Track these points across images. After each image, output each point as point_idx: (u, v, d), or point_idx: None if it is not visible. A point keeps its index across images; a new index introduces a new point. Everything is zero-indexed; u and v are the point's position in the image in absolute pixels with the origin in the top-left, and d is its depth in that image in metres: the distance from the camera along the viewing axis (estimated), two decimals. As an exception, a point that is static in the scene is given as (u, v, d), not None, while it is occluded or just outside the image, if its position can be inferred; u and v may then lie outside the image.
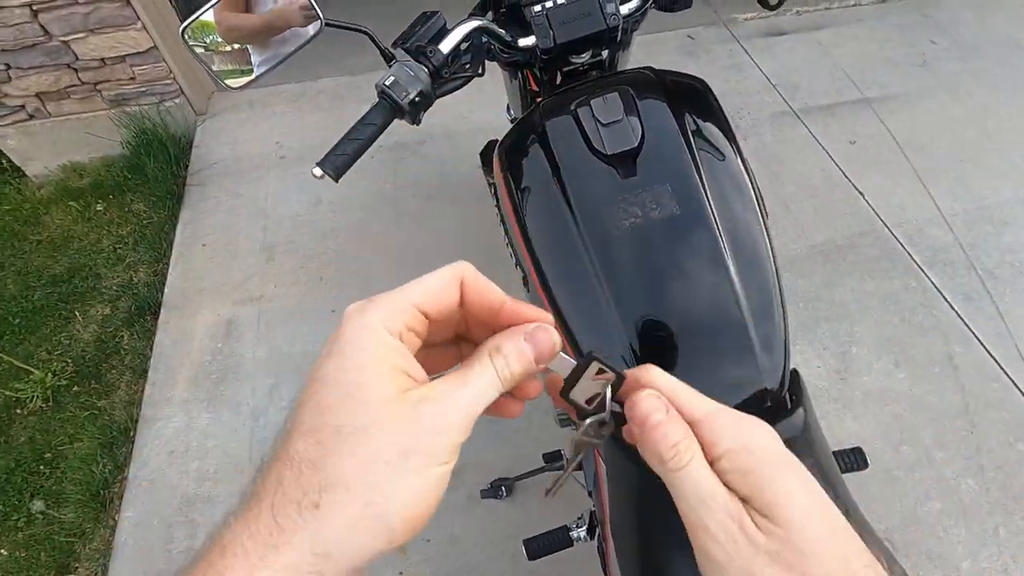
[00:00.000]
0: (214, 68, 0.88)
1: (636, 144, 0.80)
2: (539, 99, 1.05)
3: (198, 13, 0.83)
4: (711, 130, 0.86)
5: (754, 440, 0.30)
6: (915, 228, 2.09)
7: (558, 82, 1.09)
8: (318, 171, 0.81)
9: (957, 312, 1.87)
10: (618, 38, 0.96)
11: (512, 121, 1.69)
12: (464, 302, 0.33)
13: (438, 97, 0.87)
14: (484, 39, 0.94)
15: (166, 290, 2.04)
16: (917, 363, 1.77)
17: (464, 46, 0.93)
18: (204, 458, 1.66)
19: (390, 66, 0.83)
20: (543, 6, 0.94)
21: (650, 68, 0.94)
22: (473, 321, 0.34)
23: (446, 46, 0.84)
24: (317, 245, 2.14)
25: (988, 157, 2.29)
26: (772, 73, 2.65)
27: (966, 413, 1.67)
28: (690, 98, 0.89)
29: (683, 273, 0.76)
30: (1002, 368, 1.74)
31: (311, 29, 0.87)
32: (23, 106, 2.38)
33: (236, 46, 0.87)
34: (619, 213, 0.77)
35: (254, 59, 0.88)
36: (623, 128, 0.80)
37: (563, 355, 0.33)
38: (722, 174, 0.81)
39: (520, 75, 1.24)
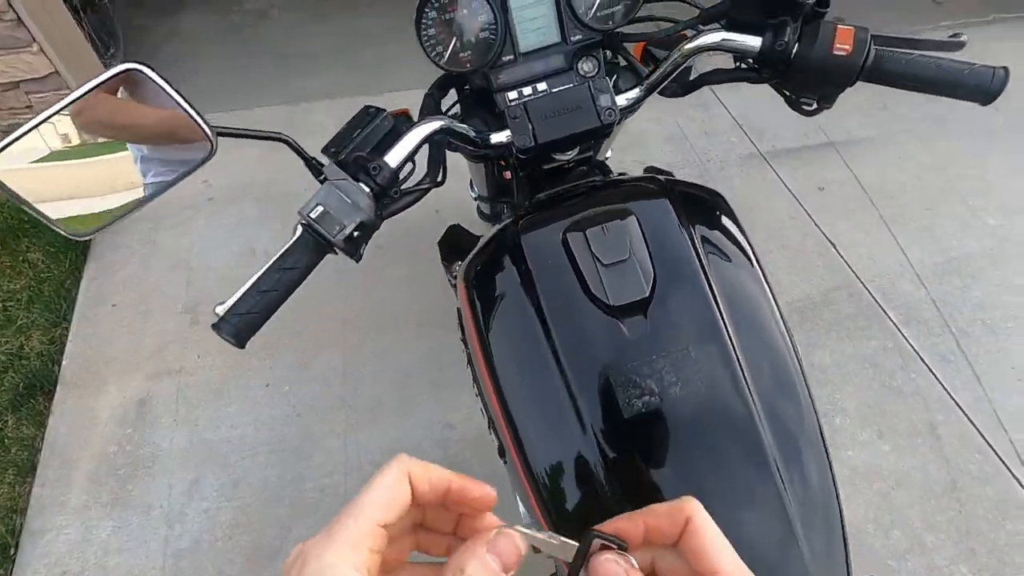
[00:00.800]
0: (51, 215, 0.62)
1: (647, 293, 0.62)
2: (514, 202, 0.86)
3: (58, 107, 0.59)
4: (737, 267, 0.69)
5: None
6: (888, 282, 2.03)
7: (538, 176, 0.89)
8: (219, 332, 0.60)
9: (936, 376, 1.80)
10: (612, 133, 0.78)
11: (477, 200, 1.48)
12: (415, 497, 0.33)
13: (384, 219, 0.67)
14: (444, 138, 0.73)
15: (64, 362, 1.74)
16: (900, 434, 1.69)
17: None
18: (104, 580, 1.38)
19: (321, 181, 0.63)
20: (520, 93, 0.77)
21: (654, 173, 0.76)
22: (427, 508, 0.35)
23: (395, 157, 0.64)
24: (249, 305, 1.87)
25: (953, 206, 2.27)
26: (739, 114, 2.57)
27: (953, 490, 1.59)
28: (708, 220, 0.71)
29: (717, 475, 0.59)
30: (984, 438, 1.68)
31: (201, 149, 0.64)
32: None
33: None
34: (628, 388, 0.59)
35: (140, 177, 0.65)
36: (630, 270, 0.63)
37: (550, 537, 0.32)
38: (757, 332, 0.65)
39: (490, 163, 1.06)
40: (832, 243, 2.14)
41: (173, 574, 1.39)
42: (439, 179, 0.74)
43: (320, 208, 0.60)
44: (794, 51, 0.68)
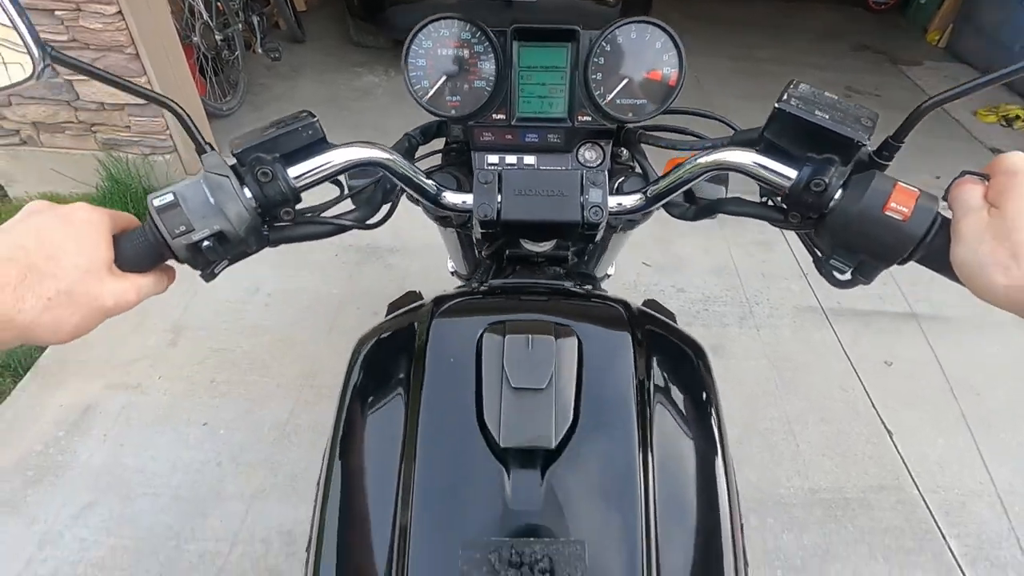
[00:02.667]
0: None
1: (552, 445, 0.47)
2: (470, 284, 0.74)
3: None
4: (695, 450, 0.53)
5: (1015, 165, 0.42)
6: (956, 499, 1.59)
7: (504, 261, 0.77)
8: None
9: (1004, 649, 1.31)
10: (596, 237, 0.65)
11: (453, 275, 1.38)
12: None
13: (272, 244, 0.55)
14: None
15: (47, 351, 1.79)
16: None
17: (360, 173, 0.64)
18: (-47, 585, 1.29)
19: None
20: (502, 160, 0.64)
21: (625, 304, 0.62)
22: None
23: (300, 171, 0.53)
24: (229, 340, 1.86)
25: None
26: (805, 260, 2.30)
27: None
28: (675, 379, 0.57)
29: None
30: None
31: (24, 69, 0.55)
32: (17, 131, 2.35)
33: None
34: (479, 573, 0.44)
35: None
36: (541, 407, 0.48)
37: None
38: (693, 557, 0.48)
39: (461, 235, 0.94)
40: (889, 431, 1.74)
41: (15, 602, 1.27)
42: (370, 221, 0.63)
43: (170, 197, 0.48)
44: (835, 198, 0.51)
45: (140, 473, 1.50)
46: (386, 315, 1.27)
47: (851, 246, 0.51)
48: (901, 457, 1.68)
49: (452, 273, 1.37)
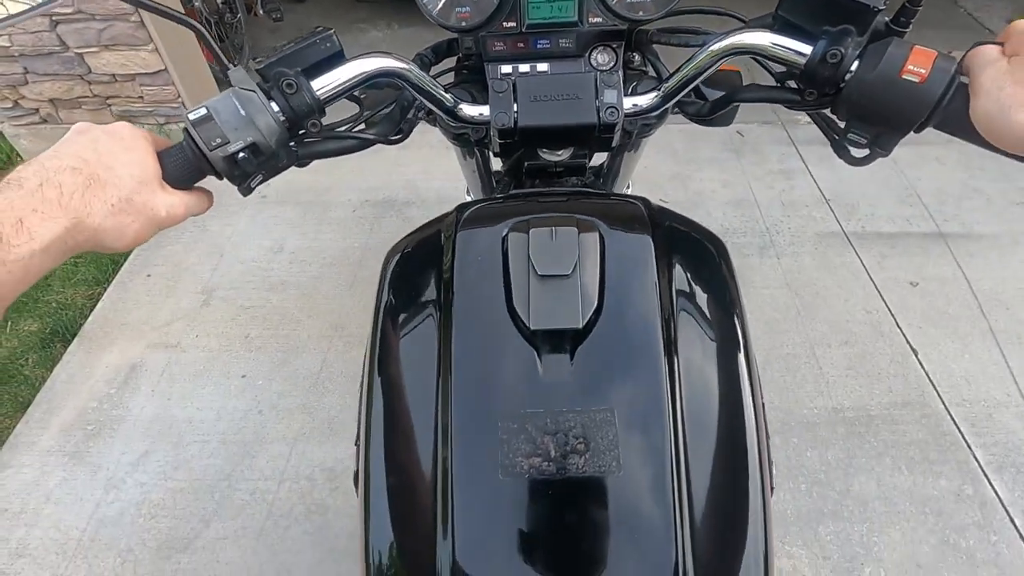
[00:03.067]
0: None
1: (580, 325, 0.50)
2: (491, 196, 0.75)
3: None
4: (716, 335, 0.55)
5: None
6: (983, 411, 1.59)
7: (523, 173, 0.77)
8: None
9: (1028, 548, 1.34)
10: (613, 141, 0.64)
11: None
12: None
13: (300, 162, 0.57)
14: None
15: (90, 317, 1.89)
16: (957, 614, 1.26)
17: (379, 95, 0.65)
18: (32, 527, 1.41)
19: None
20: (515, 69, 0.64)
21: (645, 201, 0.63)
22: None
23: (323, 83, 0.54)
24: (259, 297, 1.93)
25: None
26: (828, 187, 2.26)
27: None
28: (695, 269, 0.58)
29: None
30: (1089, 653, 1.19)
31: None
32: (37, 110, 2.41)
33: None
34: (517, 442, 0.47)
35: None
36: (567, 291, 0.50)
37: None
38: (714, 422, 0.51)
39: (478, 152, 0.93)
40: (914, 350, 1.74)
41: (90, 539, 1.39)
42: (392, 136, 0.65)
43: (203, 111, 0.49)
44: (852, 69, 0.50)
45: (188, 423, 1.60)
46: None
47: (868, 117, 0.51)
48: (927, 374, 1.68)
49: None
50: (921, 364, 1.70)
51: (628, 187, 1.15)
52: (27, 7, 0.61)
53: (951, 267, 1.97)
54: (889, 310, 1.84)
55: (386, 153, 0.84)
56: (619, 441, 0.46)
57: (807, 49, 0.52)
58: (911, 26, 0.51)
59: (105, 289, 1.98)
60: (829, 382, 1.67)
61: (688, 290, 0.56)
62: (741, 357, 0.54)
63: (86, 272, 2.06)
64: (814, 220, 2.16)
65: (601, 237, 0.54)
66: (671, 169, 2.35)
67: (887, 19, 0.51)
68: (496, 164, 0.91)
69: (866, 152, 0.55)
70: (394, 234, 2.12)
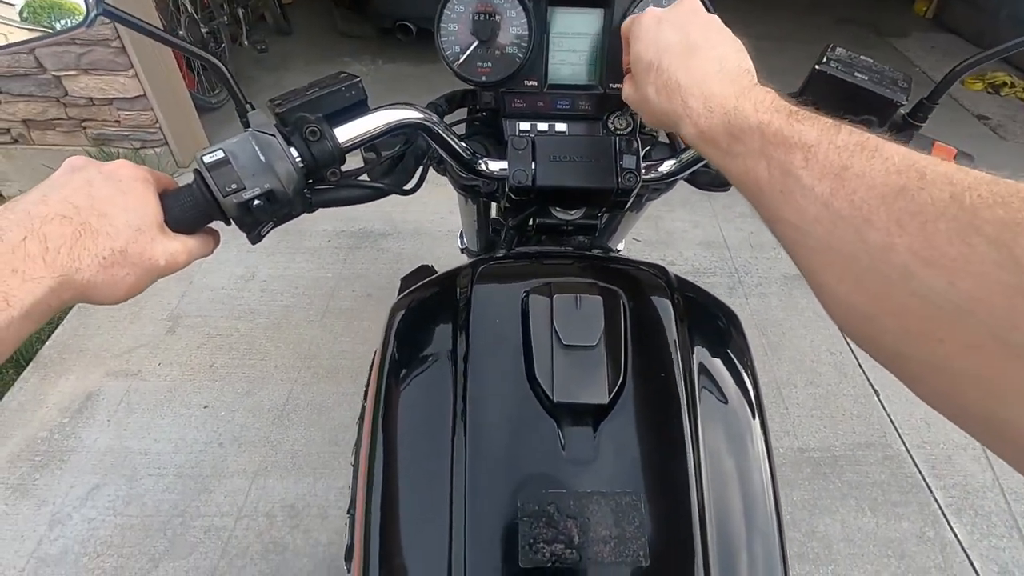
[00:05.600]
0: None
1: (606, 400, 0.47)
2: (496, 252, 0.73)
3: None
4: (735, 408, 0.53)
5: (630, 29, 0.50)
6: (942, 454, 1.62)
7: (529, 229, 0.76)
8: None
9: (988, 591, 1.36)
10: (627, 204, 0.64)
11: (464, 252, 1.38)
12: None
13: (313, 208, 0.54)
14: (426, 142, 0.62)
15: (47, 342, 1.82)
16: (920, 659, 1.26)
17: (394, 144, 0.63)
18: (-34, 566, 1.33)
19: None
20: (534, 127, 0.64)
21: (664, 269, 0.62)
22: None
23: (347, 133, 0.52)
24: (226, 325, 1.89)
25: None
26: (792, 230, 2.33)
27: None
28: (713, 341, 0.57)
29: None
30: None
31: (76, 15, 0.57)
32: (8, 130, 2.37)
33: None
34: (537, 525, 0.43)
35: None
36: (593, 363, 0.48)
37: None
38: (739, 501, 0.48)
39: (480, 202, 0.93)
40: (876, 391, 1.78)
41: (28, 579, 1.31)
42: (407, 187, 0.63)
43: (220, 154, 0.46)
44: None
45: (144, 455, 1.54)
46: (399, 289, 1.29)
47: None
48: (888, 415, 1.71)
49: (463, 250, 1.37)
50: (883, 405, 1.74)
51: (622, 243, 1.15)
52: (37, 35, 0.60)
53: (910, 311, 2.04)
54: (852, 351, 1.89)
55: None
56: (645, 528, 0.43)
57: None
58: (927, 120, 0.53)
59: (66, 313, 1.92)
60: (795, 422, 1.69)
61: (708, 363, 0.54)
62: (759, 432, 0.53)
63: (47, 296, 2.00)
64: (781, 262, 2.23)
65: (625, 307, 0.53)
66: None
67: (905, 113, 0.53)
68: (494, 210, 0.91)
69: None
70: (368, 266, 2.12)
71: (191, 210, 0.47)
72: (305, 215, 0.55)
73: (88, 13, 0.51)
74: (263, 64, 3.45)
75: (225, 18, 3.07)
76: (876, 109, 0.53)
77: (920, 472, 1.58)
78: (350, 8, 3.44)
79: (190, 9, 2.72)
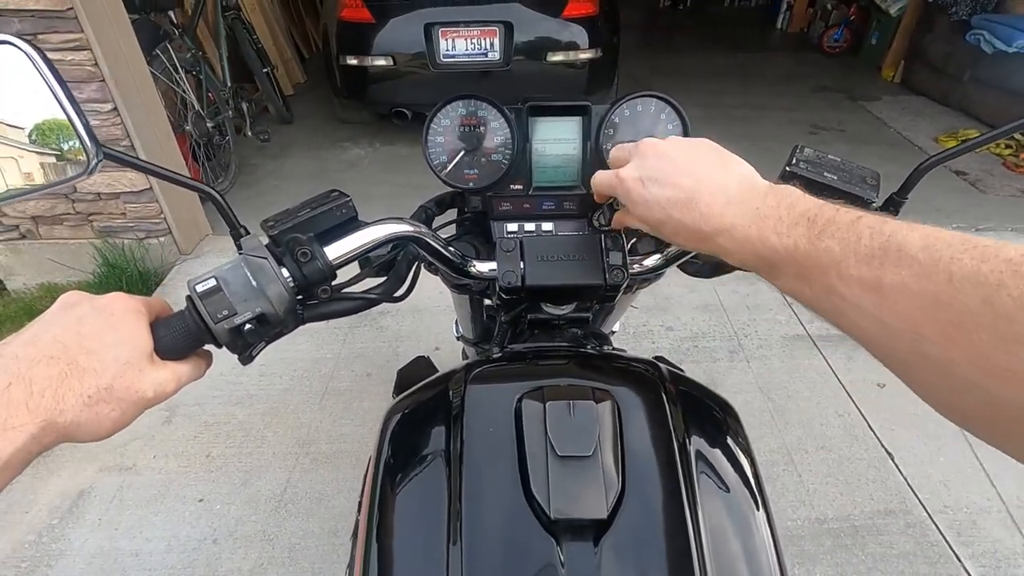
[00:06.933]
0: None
1: (605, 515, 0.46)
2: (490, 349, 0.73)
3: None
4: (737, 503, 0.51)
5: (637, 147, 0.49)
6: (966, 519, 1.56)
7: (523, 327, 0.76)
8: None
9: (1035, 673, 1.26)
10: (616, 298, 0.66)
11: (460, 340, 1.39)
12: None
13: (305, 322, 0.55)
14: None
15: (42, 439, 1.79)
16: None
17: (384, 252, 0.64)
18: None
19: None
20: (521, 228, 0.67)
21: (656, 365, 0.62)
22: None
23: (337, 251, 0.53)
24: (223, 412, 1.86)
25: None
26: (787, 291, 2.35)
27: None
28: (710, 433, 0.56)
29: None
30: None
31: (75, 166, 0.58)
32: (17, 226, 2.44)
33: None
34: None
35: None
36: (590, 475, 0.47)
37: None
38: None
39: (473, 297, 0.93)
40: (890, 453, 1.73)
41: None
42: (397, 294, 0.64)
43: (212, 283, 0.47)
44: None
45: (135, 556, 1.47)
46: (396, 381, 1.28)
47: None
48: (905, 479, 1.66)
49: (458, 338, 1.38)
50: (899, 468, 1.69)
51: (618, 323, 1.16)
52: (39, 185, 0.60)
53: (914, 368, 2.02)
54: (860, 412, 1.86)
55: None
56: None
57: None
58: (899, 214, 0.56)
59: (62, 407, 1.90)
60: (810, 490, 1.63)
61: (707, 458, 0.53)
62: (765, 525, 0.51)
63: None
64: (779, 323, 2.23)
65: (618, 409, 0.52)
66: (639, 276, 2.44)
67: (878, 207, 0.56)
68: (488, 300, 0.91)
69: None
70: (368, 345, 2.12)
71: (183, 338, 0.47)
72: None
73: (89, 163, 0.52)
74: (266, 152, 3.61)
75: (230, 112, 3.23)
76: (849, 204, 0.55)
77: (946, 540, 1.51)
78: (348, 97, 3.64)
79: (197, 107, 2.88)
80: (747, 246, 0.40)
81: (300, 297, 0.52)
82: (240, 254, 0.49)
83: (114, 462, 1.71)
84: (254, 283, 0.47)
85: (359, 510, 0.58)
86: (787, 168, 0.56)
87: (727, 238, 0.41)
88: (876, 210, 0.56)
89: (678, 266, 0.70)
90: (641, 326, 2.22)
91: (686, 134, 0.64)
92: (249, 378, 1.99)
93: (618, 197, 0.51)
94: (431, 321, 2.23)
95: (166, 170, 0.52)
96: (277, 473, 1.67)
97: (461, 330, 1.26)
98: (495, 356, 0.68)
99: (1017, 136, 3.70)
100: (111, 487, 1.64)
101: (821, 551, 1.48)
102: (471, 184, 0.66)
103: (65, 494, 1.63)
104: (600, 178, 0.53)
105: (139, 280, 2.43)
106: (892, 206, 0.56)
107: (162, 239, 2.51)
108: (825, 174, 0.55)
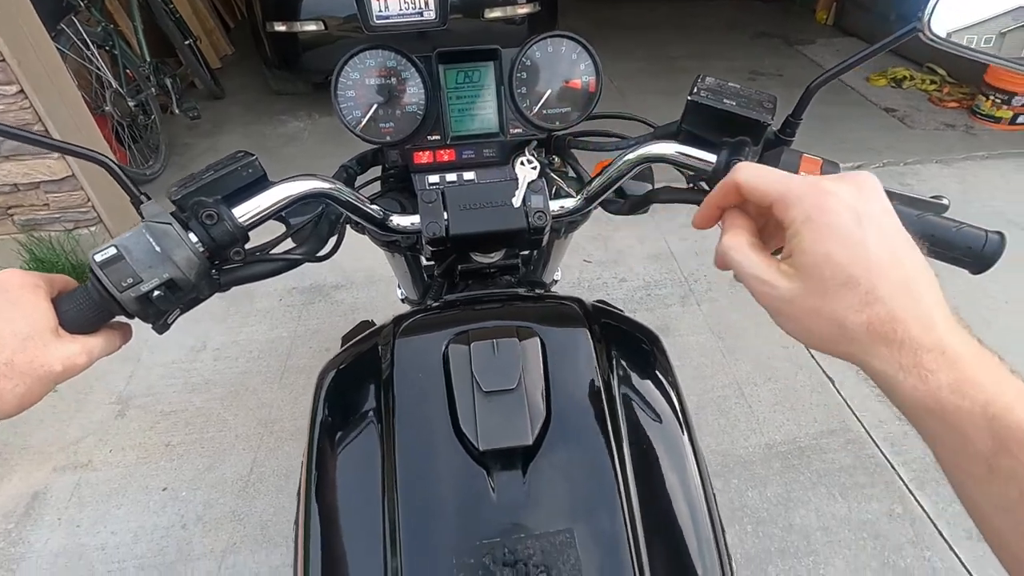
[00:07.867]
0: None
1: (530, 441, 0.48)
2: (426, 303, 0.74)
3: None
4: (662, 429, 0.54)
5: (801, 202, 0.35)
6: (900, 432, 1.69)
7: (456, 275, 0.77)
8: None
9: (959, 558, 1.40)
10: (542, 242, 0.66)
11: (404, 303, 1.39)
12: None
13: (224, 288, 0.55)
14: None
15: (-14, 445, 1.72)
16: (907, 636, 1.28)
17: (306, 212, 0.63)
18: None
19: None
20: (442, 179, 0.66)
21: (579, 300, 0.63)
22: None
23: (246, 211, 0.52)
24: (180, 400, 1.82)
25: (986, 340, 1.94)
26: (733, 234, 2.43)
27: None
28: (635, 365, 0.58)
29: None
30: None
31: None
32: (-72, 226, 2.27)
33: None
34: (469, 570, 0.43)
35: None
36: (514, 406, 0.49)
37: None
38: (672, 522, 0.49)
39: (406, 254, 0.94)
40: (830, 378, 1.85)
41: None
42: (321, 253, 0.63)
43: (112, 251, 0.45)
44: None
45: (101, 550, 1.45)
46: (341, 347, 1.28)
47: None
48: (844, 400, 1.78)
49: (403, 300, 1.38)
50: (839, 391, 1.81)
51: (559, 271, 1.18)
52: None
53: (851, 298, 2.14)
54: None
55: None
56: (581, 565, 0.44)
57: (712, 158, 0.58)
58: (795, 135, 0.58)
59: (4, 411, 1.81)
60: (759, 419, 1.73)
61: (631, 387, 0.56)
62: (688, 447, 0.54)
63: (-18, 394, 1.88)
64: (726, 266, 2.31)
65: (542, 343, 0.53)
66: (592, 231, 2.47)
67: (775, 130, 0.58)
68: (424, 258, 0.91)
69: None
70: (324, 320, 2.09)
71: (88, 310, 0.46)
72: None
73: None
74: (198, 130, 3.43)
75: (153, 89, 3.04)
76: (748, 130, 0.57)
77: (881, 451, 1.64)
78: (280, 67, 3.47)
79: (115, 85, 2.69)
80: (969, 395, 0.30)
81: (213, 261, 0.51)
82: (143, 221, 0.48)
83: (67, 461, 1.66)
84: (158, 249, 0.47)
85: (301, 468, 0.59)
86: (689, 98, 0.58)
87: (942, 367, 0.31)
88: (775, 132, 0.59)
89: (600, 205, 0.71)
90: (595, 279, 2.27)
91: (598, 74, 0.64)
92: (204, 364, 1.94)
93: (758, 189, 0.37)
94: (387, 290, 2.21)
95: (48, 138, 0.51)
96: (242, 455, 1.66)
97: (404, 292, 1.26)
98: (426, 307, 0.69)
99: (939, 71, 3.86)
100: (67, 485, 1.60)
101: (771, 472, 1.59)
102: (388, 138, 0.64)
103: (18, 497, 1.57)
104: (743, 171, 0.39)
105: (72, 273, 2.28)
106: (789, 128, 0.58)
107: (93, 228, 2.38)
108: (724, 100, 0.57)
